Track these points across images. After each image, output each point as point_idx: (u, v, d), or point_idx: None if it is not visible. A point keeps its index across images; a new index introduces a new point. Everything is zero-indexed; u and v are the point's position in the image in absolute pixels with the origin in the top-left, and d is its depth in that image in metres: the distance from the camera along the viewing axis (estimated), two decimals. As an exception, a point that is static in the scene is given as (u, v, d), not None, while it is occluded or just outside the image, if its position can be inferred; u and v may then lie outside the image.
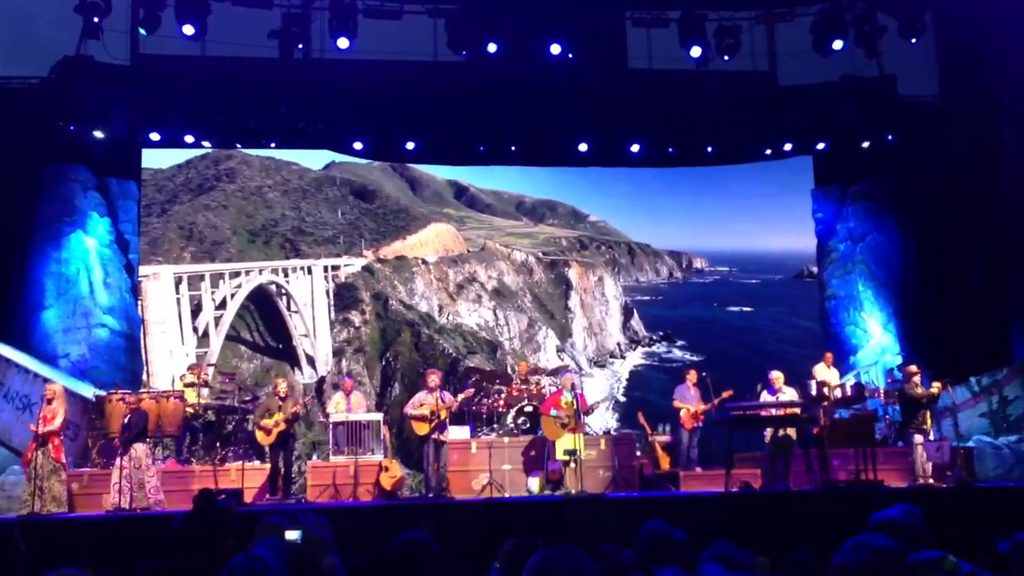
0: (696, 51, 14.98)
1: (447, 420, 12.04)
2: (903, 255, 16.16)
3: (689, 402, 13.11)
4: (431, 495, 11.86)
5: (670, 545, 4.15)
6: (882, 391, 14.20)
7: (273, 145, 16.54)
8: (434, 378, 12.33)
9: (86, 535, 9.79)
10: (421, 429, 12.07)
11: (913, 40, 14.96)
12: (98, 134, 14.42)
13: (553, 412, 12.02)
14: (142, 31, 14.38)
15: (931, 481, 11.90)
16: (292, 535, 3.61)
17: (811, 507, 10.50)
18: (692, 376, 13.48)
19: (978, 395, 14.05)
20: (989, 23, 15.45)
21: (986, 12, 15.40)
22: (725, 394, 12.89)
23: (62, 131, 14.30)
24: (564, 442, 11.81)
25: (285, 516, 3.75)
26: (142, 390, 13.93)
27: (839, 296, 17.18)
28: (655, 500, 11.59)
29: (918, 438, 12.18)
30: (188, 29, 13.87)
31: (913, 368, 12.57)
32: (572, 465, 11.67)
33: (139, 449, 11.35)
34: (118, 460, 11.22)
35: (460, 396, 12.40)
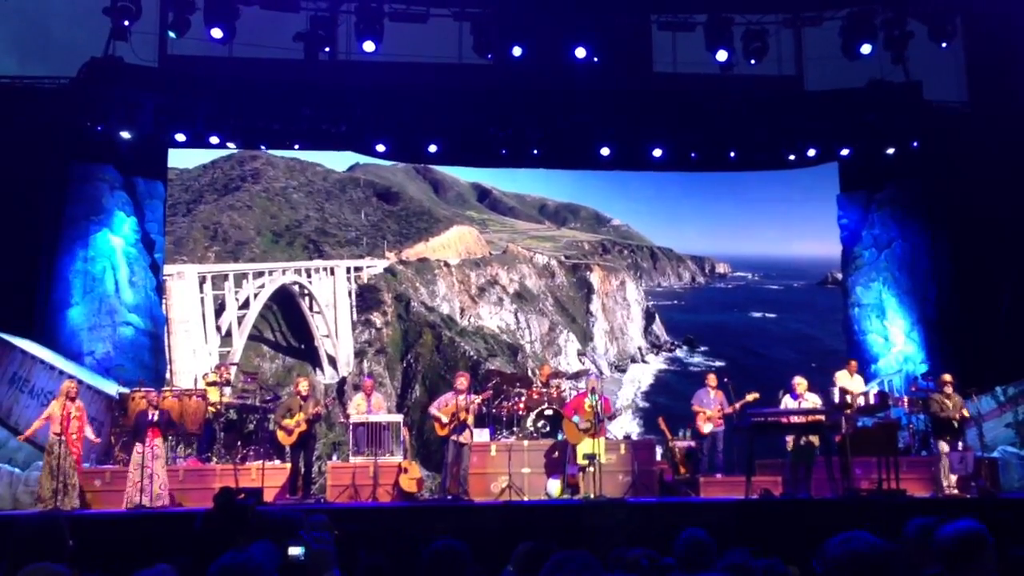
0: (722, 55, 14.90)
1: (467, 423, 12.01)
2: (928, 262, 15.99)
3: (707, 406, 12.98)
4: (449, 496, 11.87)
5: (710, 555, 4.12)
6: (906, 400, 14.04)
7: (297, 146, 16.63)
8: (463, 380, 12.32)
9: (106, 532, 9.86)
10: (439, 431, 12.11)
11: (943, 44, 14.82)
12: (125, 134, 14.56)
13: (575, 417, 11.98)
14: (172, 34, 14.54)
15: (955, 491, 11.76)
16: (295, 551, 3.66)
17: (832, 515, 10.40)
18: (712, 380, 13.33)
19: (1004, 405, 13.87)
20: (1018, 28, 15.28)
21: (1015, 17, 15.23)
22: (750, 397, 12.75)
23: (90, 131, 14.46)
24: (584, 446, 11.77)
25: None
26: (165, 388, 14.04)
27: (863, 303, 17.02)
28: (674, 506, 11.53)
29: (944, 447, 12.04)
30: (217, 32, 14.01)
31: (948, 378, 12.38)
32: (591, 469, 11.61)
33: (162, 447, 11.50)
34: (140, 457, 11.30)
35: (476, 398, 12.36)
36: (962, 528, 3.24)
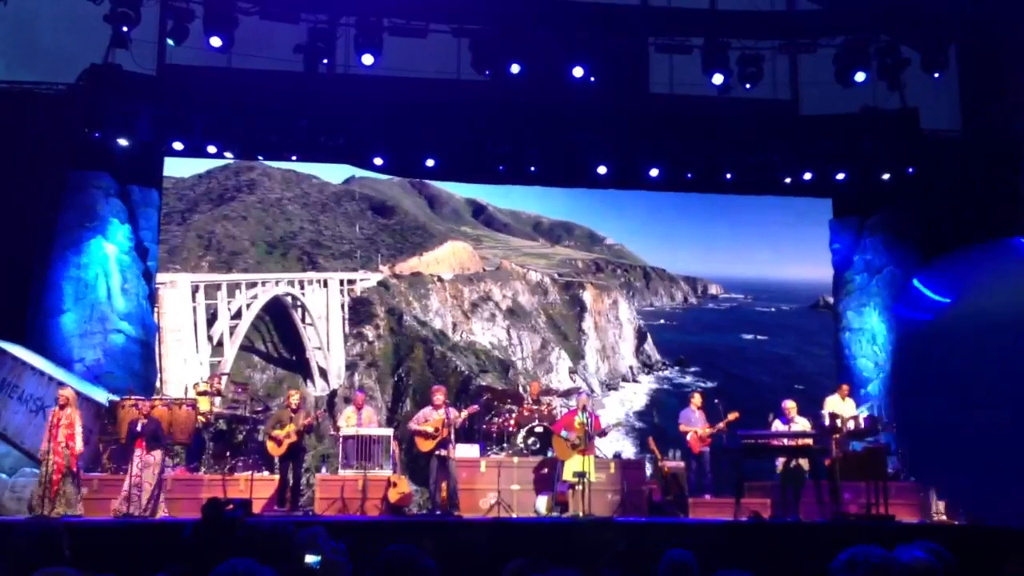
0: (718, 78, 15.03)
1: (451, 437, 11.98)
2: (920, 289, 16.02)
3: (695, 425, 13.05)
4: (437, 512, 11.83)
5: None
6: (895, 425, 14.07)
7: (294, 158, 16.67)
8: (439, 396, 12.33)
9: (93, 540, 9.80)
10: (424, 446, 12.08)
11: (936, 75, 14.97)
12: (122, 142, 14.57)
13: (564, 433, 11.98)
14: (170, 42, 14.58)
15: (943, 518, 11.77)
16: (311, 559, 3.66)
17: (821, 539, 10.39)
18: (697, 399, 13.44)
19: (993, 433, 13.89)
20: (1012, 58, 15.44)
21: (1009, 47, 15.39)
22: (731, 416, 12.81)
23: (86, 138, 14.47)
24: (573, 463, 11.76)
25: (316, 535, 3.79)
26: (155, 397, 13.99)
27: (854, 328, 17.08)
28: (663, 526, 11.51)
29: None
30: (215, 41, 14.05)
31: None
32: (579, 487, 11.60)
33: (157, 456, 11.44)
34: (129, 466, 11.27)
35: (464, 412, 12.35)
36: (917, 559, 3.22)
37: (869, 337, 16.76)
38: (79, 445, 11.30)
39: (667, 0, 16.41)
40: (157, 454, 11.51)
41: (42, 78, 15.31)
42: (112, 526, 10.62)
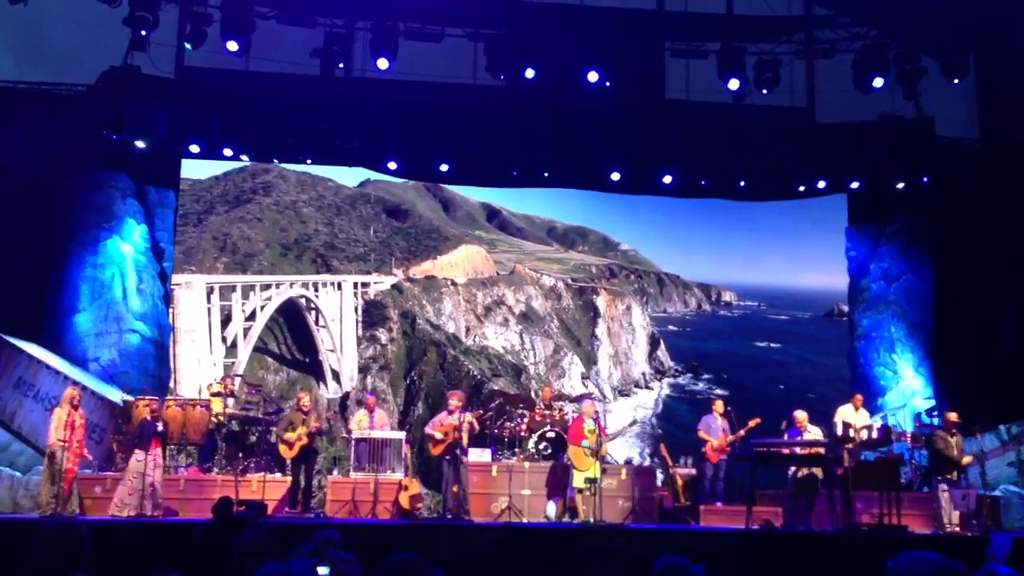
0: (734, 84, 14.99)
1: (462, 442, 11.88)
2: (937, 297, 15.92)
3: (715, 433, 12.95)
4: (449, 516, 11.83)
5: None
6: (909, 435, 13.97)
7: (309, 161, 16.74)
8: (454, 400, 12.29)
9: (107, 539, 9.84)
10: (434, 450, 12.07)
11: (955, 81, 14.88)
12: (139, 143, 14.66)
13: (585, 442, 11.87)
14: (188, 46, 14.68)
15: (956, 529, 11.67)
16: (322, 571, 3.68)
17: (832, 549, 10.33)
18: (719, 406, 13.30)
19: (1007, 444, 13.79)
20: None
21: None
22: (752, 423, 12.71)
23: (105, 139, 14.57)
24: (588, 472, 11.71)
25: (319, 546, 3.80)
26: (169, 397, 14.06)
27: (870, 336, 16.95)
28: (673, 533, 11.46)
29: (944, 485, 11.97)
30: (232, 45, 14.13)
31: (953, 416, 12.29)
32: (588, 493, 11.57)
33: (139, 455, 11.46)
34: (143, 466, 11.31)
35: (469, 415, 12.12)
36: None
37: (887, 345, 16.63)
38: (87, 454, 11.46)
39: (684, 4, 16.38)
40: (140, 454, 11.55)
41: (50, 76, 15.48)
42: (126, 525, 10.66)
